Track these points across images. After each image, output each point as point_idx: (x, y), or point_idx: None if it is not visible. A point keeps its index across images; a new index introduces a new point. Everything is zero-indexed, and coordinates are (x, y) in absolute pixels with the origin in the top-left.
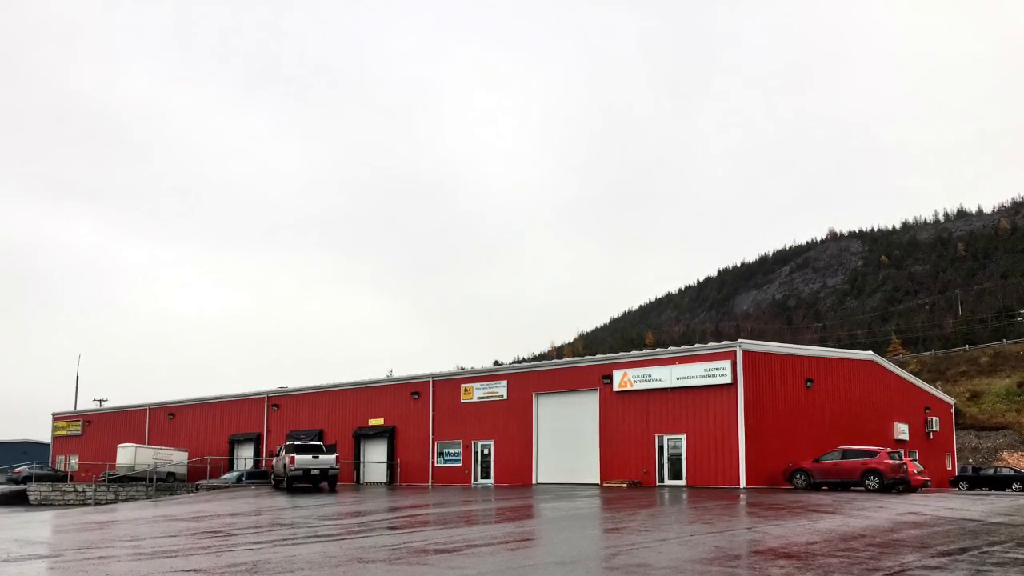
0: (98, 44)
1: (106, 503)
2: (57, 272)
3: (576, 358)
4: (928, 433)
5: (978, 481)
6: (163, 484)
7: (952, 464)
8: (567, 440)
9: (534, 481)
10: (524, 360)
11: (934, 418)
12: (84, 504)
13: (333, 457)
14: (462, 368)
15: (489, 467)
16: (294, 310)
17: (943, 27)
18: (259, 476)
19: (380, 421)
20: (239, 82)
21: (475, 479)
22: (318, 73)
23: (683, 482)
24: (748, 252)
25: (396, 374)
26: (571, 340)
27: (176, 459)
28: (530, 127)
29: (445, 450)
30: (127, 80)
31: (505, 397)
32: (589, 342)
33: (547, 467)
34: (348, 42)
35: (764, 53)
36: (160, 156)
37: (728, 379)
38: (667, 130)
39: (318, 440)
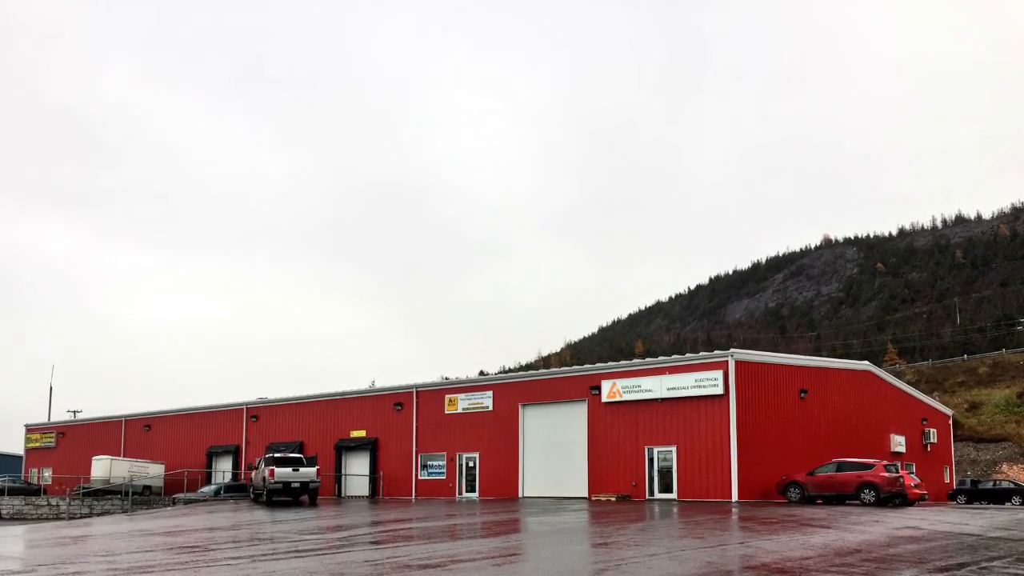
0: (76, 45)
1: (80, 517)
2: (31, 278)
3: (564, 368)
4: (925, 445)
5: (977, 494)
6: (139, 497)
7: (950, 477)
8: (554, 452)
9: (520, 494)
10: (510, 370)
11: (931, 430)
12: (58, 518)
13: (314, 470)
14: (446, 378)
15: (474, 480)
16: (275, 318)
17: (941, 28)
18: (238, 489)
19: (362, 433)
20: (220, 85)
21: (460, 492)
22: (301, 75)
23: (674, 495)
24: (740, 259)
25: (379, 384)
26: (558, 350)
27: (152, 472)
28: (518, 130)
29: (429, 463)
30: (105, 82)
31: (491, 408)
32: (577, 352)
33: (534, 480)
34: (332, 44)
35: (758, 54)
36: (139, 160)
37: (720, 390)
38: (658, 133)
39: (298, 452)
